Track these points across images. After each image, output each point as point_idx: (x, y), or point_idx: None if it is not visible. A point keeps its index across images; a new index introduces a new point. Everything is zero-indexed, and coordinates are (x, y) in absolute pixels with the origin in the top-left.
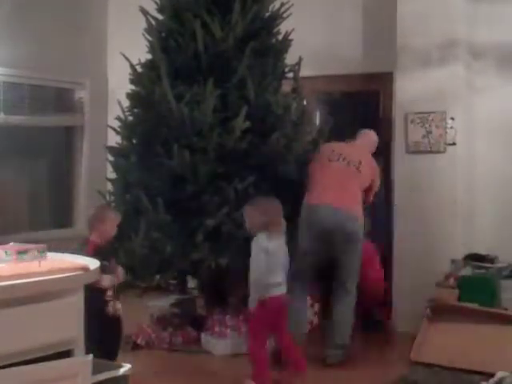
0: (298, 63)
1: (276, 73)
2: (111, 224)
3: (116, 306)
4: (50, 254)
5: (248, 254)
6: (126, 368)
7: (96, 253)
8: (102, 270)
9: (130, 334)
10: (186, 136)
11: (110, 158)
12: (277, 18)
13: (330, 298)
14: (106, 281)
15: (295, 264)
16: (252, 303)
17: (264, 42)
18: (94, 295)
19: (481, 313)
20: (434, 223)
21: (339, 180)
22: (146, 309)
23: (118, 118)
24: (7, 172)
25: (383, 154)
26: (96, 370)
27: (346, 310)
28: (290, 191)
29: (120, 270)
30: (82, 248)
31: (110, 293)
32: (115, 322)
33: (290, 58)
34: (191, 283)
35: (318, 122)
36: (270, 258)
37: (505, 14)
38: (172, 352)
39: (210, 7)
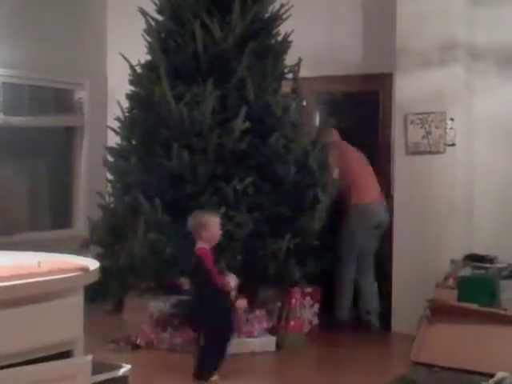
0: (298, 64)
1: (275, 73)
2: (216, 228)
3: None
4: (49, 255)
5: (248, 254)
6: (125, 368)
7: (213, 258)
8: (223, 271)
9: (129, 334)
10: (185, 136)
11: (110, 158)
12: (276, 18)
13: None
14: (233, 281)
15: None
16: None
17: (263, 42)
18: (221, 297)
19: (480, 313)
20: (434, 223)
21: (373, 179)
22: (146, 309)
23: (118, 119)
24: (7, 172)
25: (383, 154)
26: (96, 370)
27: (372, 283)
28: (290, 191)
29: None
30: (81, 249)
31: (233, 293)
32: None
33: (289, 59)
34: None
35: (317, 122)
36: None
37: (504, 16)
38: (172, 352)
39: (209, 8)
